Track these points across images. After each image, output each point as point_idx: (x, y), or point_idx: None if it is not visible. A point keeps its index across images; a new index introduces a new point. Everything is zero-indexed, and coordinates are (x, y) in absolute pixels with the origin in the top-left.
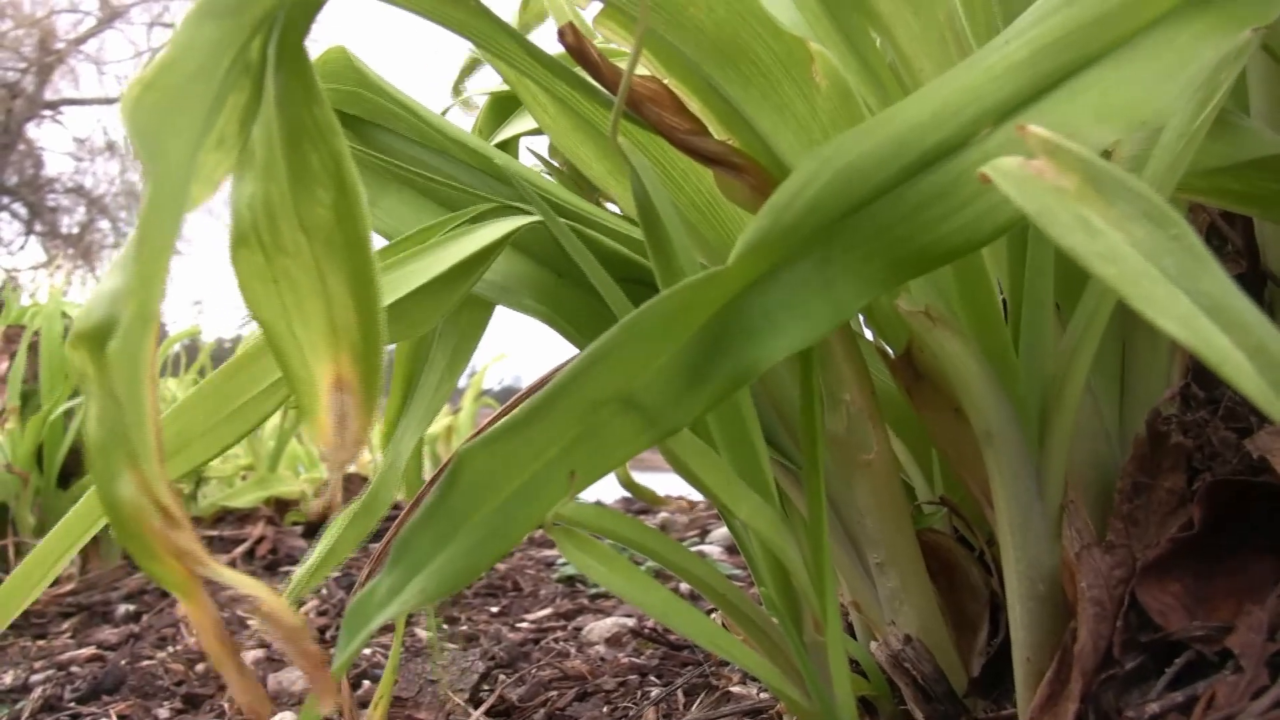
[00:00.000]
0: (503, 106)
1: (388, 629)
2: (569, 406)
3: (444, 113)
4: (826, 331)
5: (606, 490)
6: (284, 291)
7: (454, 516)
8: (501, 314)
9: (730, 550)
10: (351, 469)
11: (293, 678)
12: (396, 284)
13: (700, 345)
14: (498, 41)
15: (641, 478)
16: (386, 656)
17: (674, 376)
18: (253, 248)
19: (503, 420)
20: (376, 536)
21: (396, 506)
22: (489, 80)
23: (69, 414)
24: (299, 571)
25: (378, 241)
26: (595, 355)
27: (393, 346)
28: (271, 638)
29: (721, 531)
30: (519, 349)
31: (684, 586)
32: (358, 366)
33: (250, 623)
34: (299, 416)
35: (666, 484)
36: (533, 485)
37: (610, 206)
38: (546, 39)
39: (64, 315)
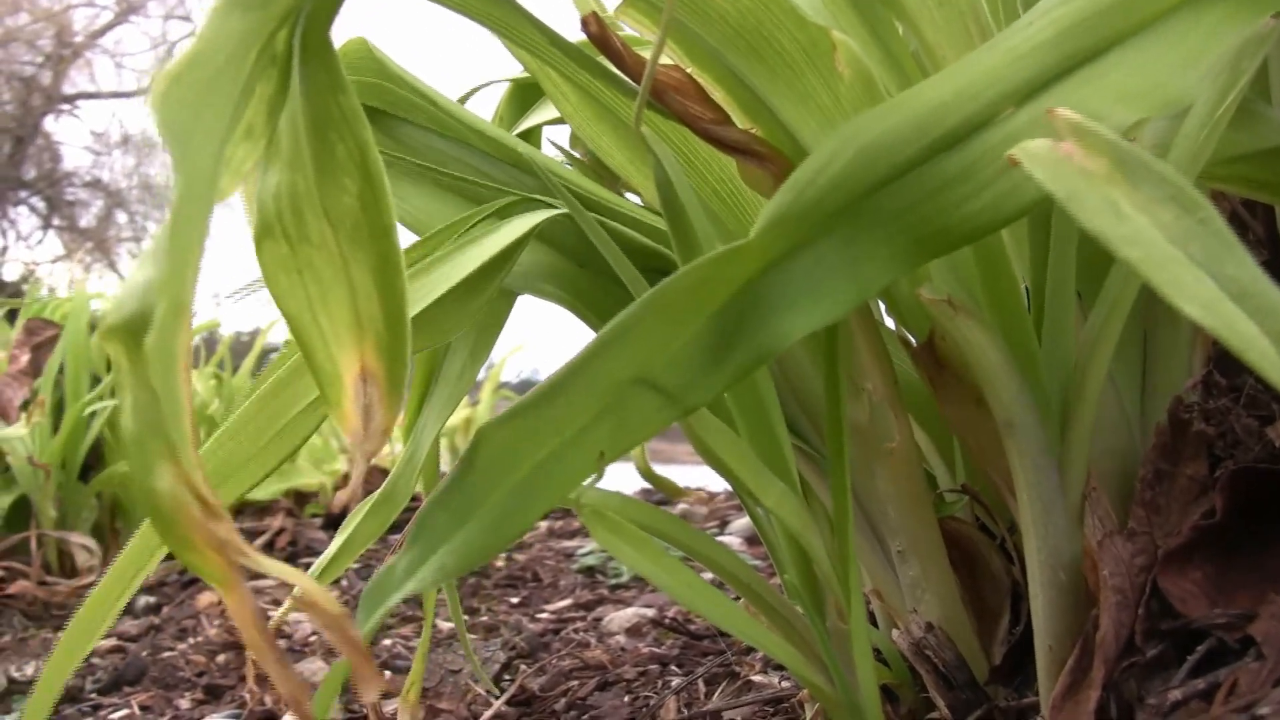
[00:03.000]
0: (523, 95)
1: (410, 621)
2: (588, 384)
3: (464, 100)
4: (848, 310)
5: (625, 482)
6: (309, 283)
7: (473, 494)
8: (520, 307)
9: (750, 541)
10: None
11: (313, 669)
12: (423, 291)
13: (721, 323)
14: (520, 30)
15: (657, 470)
16: (407, 648)
17: (695, 354)
18: (278, 239)
19: (523, 398)
20: (397, 529)
21: (417, 499)
22: (510, 67)
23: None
24: (317, 562)
25: (401, 233)
26: (615, 332)
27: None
28: (315, 625)
29: (741, 523)
30: (537, 341)
31: (707, 576)
32: (383, 357)
33: (273, 613)
34: (325, 407)
35: (684, 477)
36: (552, 463)
37: (630, 197)
38: (568, 28)
39: (89, 309)
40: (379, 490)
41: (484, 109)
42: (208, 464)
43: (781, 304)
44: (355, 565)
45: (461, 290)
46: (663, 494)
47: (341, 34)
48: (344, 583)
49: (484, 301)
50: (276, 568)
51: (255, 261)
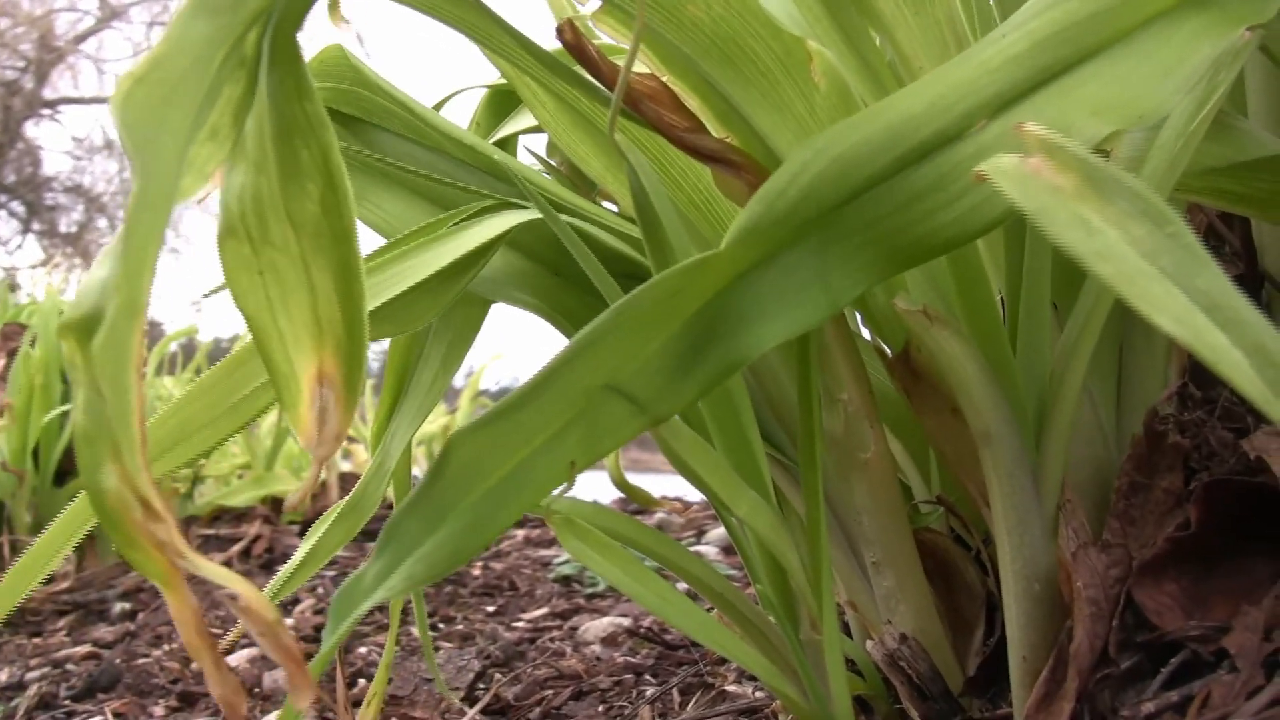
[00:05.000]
0: (501, 101)
1: (383, 628)
2: (559, 392)
3: (438, 106)
4: (820, 320)
5: (601, 493)
6: (269, 284)
7: (443, 502)
8: (499, 316)
9: (726, 551)
10: (347, 468)
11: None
12: (392, 280)
13: (692, 332)
14: (495, 38)
15: (634, 479)
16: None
17: (665, 363)
18: (240, 239)
19: (494, 406)
20: (372, 536)
21: (389, 506)
22: (489, 73)
23: (65, 412)
24: (283, 570)
25: (373, 240)
26: (586, 341)
27: (386, 344)
28: (250, 631)
29: (717, 533)
30: (516, 349)
31: (681, 586)
32: (341, 362)
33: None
34: (280, 409)
35: (662, 486)
36: (522, 470)
37: (607, 205)
38: (544, 35)
39: (60, 313)
40: (346, 498)
41: (461, 115)
42: (164, 426)
43: (752, 314)
44: (332, 573)
45: (433, 282)
46: (638, 504)
47: (320, 40)
48: (319, 590)
49: (454, 296)
50: (216, 572)
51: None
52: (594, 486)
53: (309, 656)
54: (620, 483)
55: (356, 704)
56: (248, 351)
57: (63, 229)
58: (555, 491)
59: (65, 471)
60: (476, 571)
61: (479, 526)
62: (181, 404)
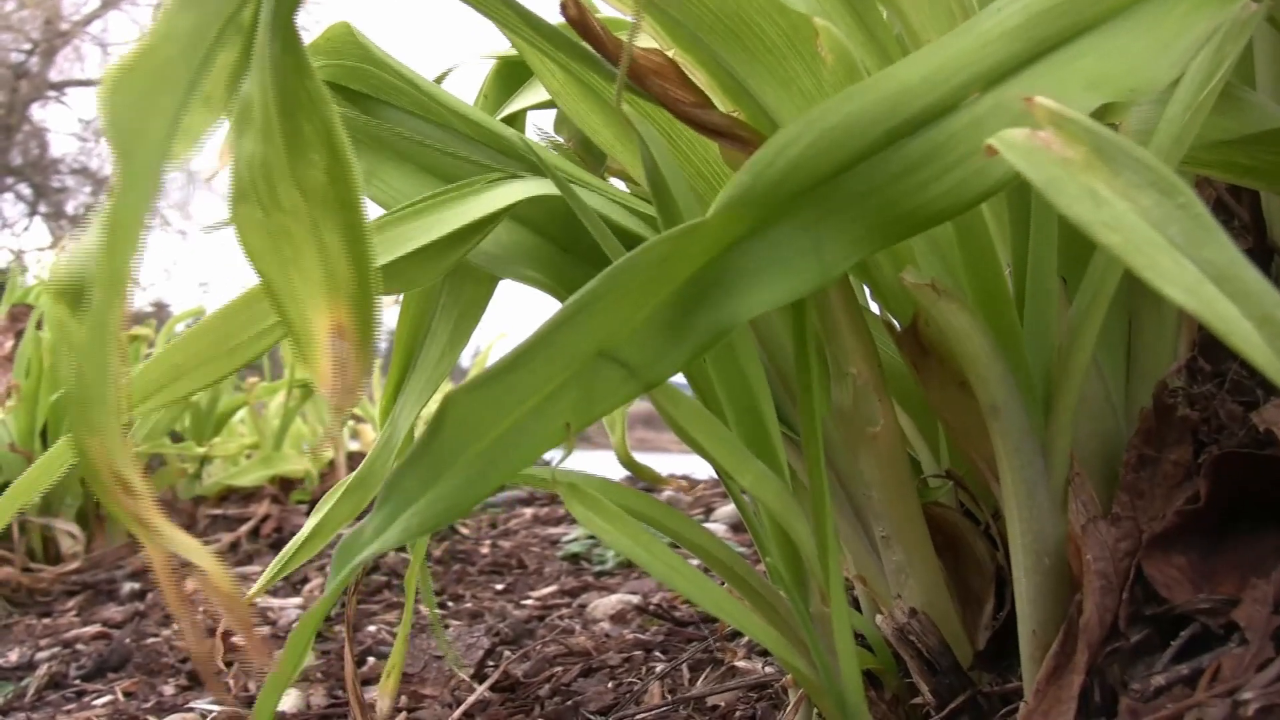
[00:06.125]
0: (510, 73)
1: (395, 607)
2: (552, 355)
3: (441, 79)
4: (811, 289)
5: (608, 473)
6: (282, 246)
7: (440, 458)
8: (504, 295)
9: (735, 529)
10: (354, 447)
11: None
12: (397, 240)
13: (683, 299)
14: (499, 11)
15: (642, 459)
16: (391, 634)
17: (657, 329)
18: (252, 204)
19: (488, 367)
20: None
21: None
22: (496, 43)
23: None
24: (290, 544)
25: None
26: (579, 305)
27: (393, 326)
28: (213, 601)
29: (726, 510)
30: (522, 328)
31: (692, 561)
32: (354, 315)
33: (257, 601)
34: (299, 363)
35: (667, 466)
36: (517, 430)
37: (615, 182)
38: (549, 9)
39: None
40: (353, 473)
41: (468, 86)
42: (162, 365)
43: (742, 281)
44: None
45: (441, 245)
46: (645, 482)
47: (328, 17)
48: (329, 569)
49: (458, 258)
50: (183, 542)
51: (231, 225)
52: (600, 467)
53: (323, 637)
54: (627, 461)
55: (365, 682)
56: (247, 299)
57: (70, 211)
58: (558, 461)
59: None
60: (485, 550)
61: (474, 483)
62: (177, 346)
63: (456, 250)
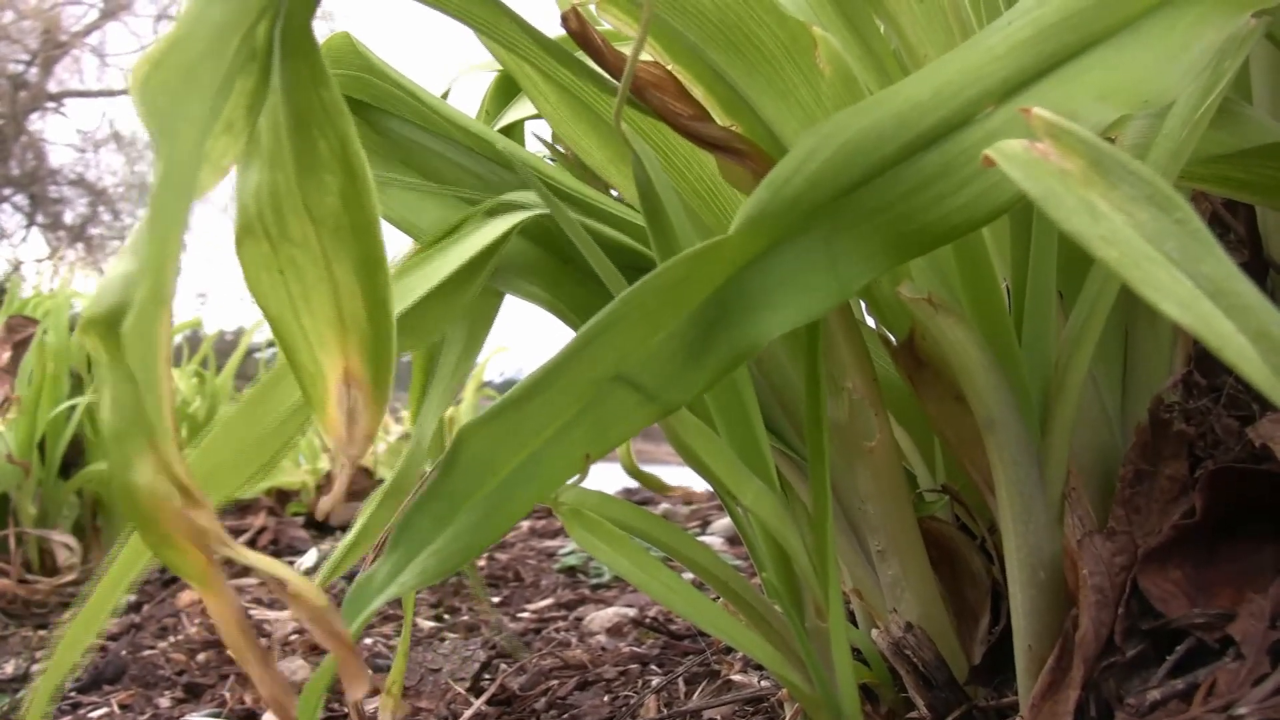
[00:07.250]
0: (509, 87)
1: (391, 619)
2: (568, 383)
3: (445, 95)
4: (828, 309)
5: (611, 480)
6: (291, 282)
7: (454, 496)
8: (504, 309)
9: (731, 542)
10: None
11: (293, 667)
12: (405, 292)
13: (700, 321)
14: (498, 26)
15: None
16: (388, 647)
17: (674, 352)
18: (258, 238)
19: (503, 397)
20: None
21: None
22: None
23: (72, 406)
24: (334, 553)
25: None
26: (594, 331)
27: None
28: (299, 619)
29: (722, 523)
30: (521, 342)
31: (687, 576)
32: (367, 360)
33: (252, 613)
34: (309, 410)
35: (668, 478)
36: (533, 463)
37: (614, 192)
38: (548, 24)
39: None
40: (388, 480)
41: (469, 100)
42: (217, 453)
43: (760, 302)
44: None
45: (448, 287)
46: (649, 490)
47: (327, 30)
48: (337, 588)
49: (467, 300)
50: (260, 560)
51: (236, 261)
52: (603, 476)
53: (318, 649)
54: (632, 470)
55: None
56: (275, 377)
57: (67, 222)
58: (568, 482)
59: (70, 464)
60: (482, 563)
61: (491, 520)
62: (208, 446)
63: (466, 289)
